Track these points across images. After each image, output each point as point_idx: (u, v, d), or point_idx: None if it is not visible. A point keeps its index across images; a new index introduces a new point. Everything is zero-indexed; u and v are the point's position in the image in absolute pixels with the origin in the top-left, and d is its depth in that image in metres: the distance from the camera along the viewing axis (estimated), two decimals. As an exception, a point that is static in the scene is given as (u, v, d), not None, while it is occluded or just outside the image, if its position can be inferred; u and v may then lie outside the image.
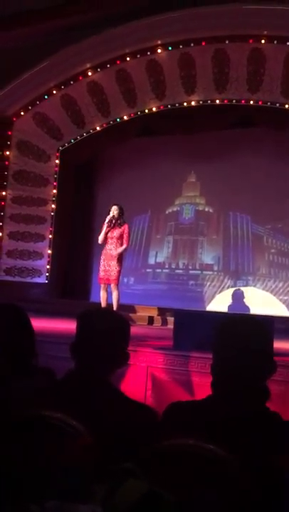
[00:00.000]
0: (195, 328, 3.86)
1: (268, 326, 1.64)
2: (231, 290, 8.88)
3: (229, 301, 8.67)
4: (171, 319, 6.21)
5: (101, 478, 1.20)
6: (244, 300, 8.59)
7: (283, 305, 8.61)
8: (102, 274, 6.46)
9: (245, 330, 1.54)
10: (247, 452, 1.28)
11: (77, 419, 1.45)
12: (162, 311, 7.72)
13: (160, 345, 4.15)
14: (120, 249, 6.48)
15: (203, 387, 3.36)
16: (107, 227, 6.51)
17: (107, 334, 1.68)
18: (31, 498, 1.06)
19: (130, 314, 7.53)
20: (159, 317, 7.62)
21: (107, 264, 6.44)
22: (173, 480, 1.22)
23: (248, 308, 8.36)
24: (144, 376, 3.70)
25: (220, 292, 9.08)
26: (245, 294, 8.68)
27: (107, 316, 1.80)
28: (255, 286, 8.89)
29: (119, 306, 6.49)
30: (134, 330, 6.05)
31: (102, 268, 6.47)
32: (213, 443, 1.24)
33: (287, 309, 8.53)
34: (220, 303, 8.81)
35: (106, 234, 6.51)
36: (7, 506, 1.12)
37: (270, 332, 1.63)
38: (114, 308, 6.38)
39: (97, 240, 6.71)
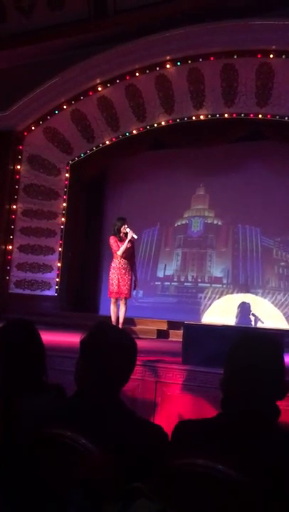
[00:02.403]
0: (204, 343, 3.85)
1: (279, 341, 1.62)
2: (239, 302, 8.85)
3: (237, 313, 8.64)
4: (180, 332, 6.20)
5: (112, 498, 1.21)
6: (252, 313, 8.55)
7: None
8: (115, 288, 6.44)
9: (257, 346, 1.53)
10: (258, 472, 1.28)
11: (88, 438, 1.45)
12: (171, 325, 7.70)
13: (169, 359, 4.14)
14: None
15: (212, 402, 3.34)
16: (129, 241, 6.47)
17: (114, 355, 1.68)
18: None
19: (139, 327, 7.53)
20: (168, 330, 7.61)
21: (121, 279, 6.42)
22: (183, 500, 1.22)
23: (256, 321, 8.31)
24: (153, 391, 3.69)
25: (228, 305, 9.05)
26: (253, 307, 8.64)
27: (111, 335, 1.79)
28: (265, 298, 8.85)
29: (124, 319, 6.49)
30: (143, 343, 6.01)
31: (114, 282, 6.45)
32: (223, 463, 1.25)
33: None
34: (227, 315, 8.77)
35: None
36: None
37: (282, 348, 1.62)
38: (121, 320, 6.39)
39: (111, 253, 6.67)
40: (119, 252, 6.38)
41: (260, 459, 1.34)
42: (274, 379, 1.51)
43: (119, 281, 6.40)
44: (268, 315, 8.55)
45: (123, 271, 6.43)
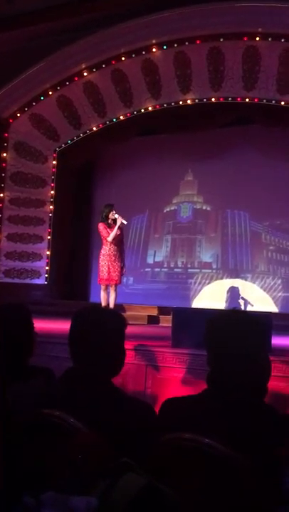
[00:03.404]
0: (193, 326, 3.87)
1: (262, 321, 1.63)
2: (229, 287, 8.89)
3: (227, 298, 8.69)
4: (170, 318, 6.22)
5: (100, 474, 1.22)
6: (242, 297, 8.61)
7: (282, 302, 8.63)
8: (105, 275, 6.44)
9: (235, 325, 1.55)
10: (243, 445, 1.30)
11: (76, 416, 1.46)
12: (161, 310, 7.73)
13: (159, 343, 4.16)
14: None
15: (202, 384, 3.37)
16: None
17: (103, 331, 1.69)
18: (28, 492, 1.07)
19: (130, 314, 7.54)
20: (158, 316, 7.64)
21: (111, 265, 6.42)
22: (170, 474, 1.23)
23: (246, 305, 8.38)
24: (144, 375, 3.71)
25: (218, 290, 9.10)
26: (242, 291, 8.70)
27: (101, 313, 1.81)
28: (254, 283, 8.91)
29: (115, 306, 6.51)
30: (133, 329, 6.04)
31: (104, 269, 6.44)
32: (210, 437, 1.26)
33: (287, 306, 8.54)
34: (217, 300, 8.82)
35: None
36: (4, 499, 1.14)
37: (265, 328, 1.63)
38: (111, 306, 6.40)
39: (99, 239, 6.65)
40: (110, 238, 6.37)
41: (245, 431, 1.36)
42: (256, 357, 1.52)
43: (109, 268, 6.40)
44: (257, 299, 8.61)
45: (113, 257, 6.43)
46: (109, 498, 1.07)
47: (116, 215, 6.43)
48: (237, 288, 8.76)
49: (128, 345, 3.76)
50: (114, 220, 6.45)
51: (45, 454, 1.49)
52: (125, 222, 6.53)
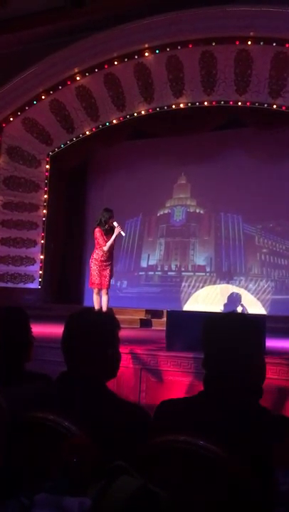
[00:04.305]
0: (187, 329, 3.88)
1: (257, 324, 1.64)
2: (223, 290, 8.90)
3: (223, 301, 8.70)
4: (163, 321, 6.23)
5: (95, 477, 1.22)
6: (238, 301, 8.61)
7: (274, 304, 8.65)
8: (97, 279, 6.44)
9: (231, 327, 1.55)
10: (238, 446, 1.30)
11: (71, 420, 1.46)
12: (155, 314, 7.73)
13: (153, 346, 4.16)
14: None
15: (197, 386, 3.37)
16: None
17: (95, 334, 1.69)
18: (23, 493, 1.07)
19: (123, 317, 7.53)
20: (152, 319, 7.64)
21: (102, 271, 6.42)
22: (165, 476, 1.23)
23: (244, 310, 8.38)
24: (138, 378, 3.71)
25: (212, 293, 9.11)
26: (239, 296, 8.71)
27: (94, 316, 1.81)
28: (247, 286, 8.93)
29: (108, 309, 6.51)
30: (127, 333, 6.03)
31: (96, 273, 6.44)
32: (204, 439, 1.26)
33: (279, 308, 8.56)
34: (211, 303, 8.83)
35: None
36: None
37: (259, 330, 1.64)
38: (104, 309, 6.40)
39: (92, 243, 6.64)
40: (106, 248, 6.34)
41: (241, 434, 1.36)
42: (251, 359, 1.53)
43: (100, 273, 6.40)
44: (251, 302, 8.63)
45: (104, 264, 6.42)
46: (104, 500, 1.07)
47: (115, 224, 6.39)
48: (237, 294, 8.75)
49: (122, 348, 3.76)
50: (112, 228, 6.42)
51: (39, 456, 1.48)
52: (123, 234, 6.51)
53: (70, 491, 1.08)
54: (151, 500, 1.10)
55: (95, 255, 6.47)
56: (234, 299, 8.63)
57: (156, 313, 7.71)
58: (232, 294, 8.77)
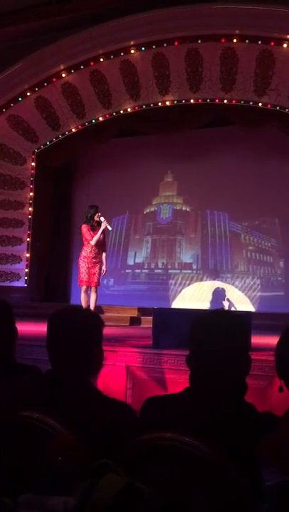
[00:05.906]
0: (174, 326, 3.88)
1: (243, 320, 1.65)
2: (210, 287, 8.94)
3: (209, 298, 8.74)
4: (151, 319, 6.22)
5: (80, 475, 1.21)
6: (224, 297, 8.66)
7: (260, 301, 8.71)
8: (85, 276, 6.41)
9: (217, 324, 1.56)
10: (224, 442, 1.30)
11: (55, 418, 1.45)
12: (142, 311, 7.73)
13: (139, 344, 4.16)
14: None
15: (183, 384, 3.38)
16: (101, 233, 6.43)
17: (78, 331, 1.68)
18: (7, 493, 1.06)
19: (111, 315, 7.53)
20: (140, 317, 7.63)
21: (91, 268, 6.39)
22: (151, 473, 1.23)
23: (230, 306, 8.42)
24: (124, 376, 3.71)
25: (199, 290, 9.14)
26: (224, 292, 8.75)
27: (76, 313, 1.80)
28: (233, 283, 8.97)
29: (96, 307, 6.49)
30: (114, 330, 6.03)
31: (84, 271, 6.41)
32: (190, 435, 1.26)
33: (265, 305, 8.62)
34: (198, 300, 8.86)
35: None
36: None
37: (245, 326, 1.65)
38: (92, 308, 6.37)
39: (79, 240, 6.62)
40: (92, 242, 6.33)
41: (226, 431, 1.37)
42: (236, 353, 1.54)
43: (89, 271, 6.37)
44: (237, 299, 8.68)
45: (93, 260, 6.40)
46: (89, 498, 1.06)
47: (102, 218, 6.39)
48: (221, 289, 8.80)
49: (109, 346, 3.76)
50: (98, 223, 6.41)
51: (23, 456, 1.48)
52: (110, 229, 6.51)
53: (56, 491, 1.08)
54: (137, 498, 1.10)
55: (83, 252, 6.46)
56: (219, 296, 8.67)
57: (148, 311, 7.70)
58: (217, 290, 8.80)
